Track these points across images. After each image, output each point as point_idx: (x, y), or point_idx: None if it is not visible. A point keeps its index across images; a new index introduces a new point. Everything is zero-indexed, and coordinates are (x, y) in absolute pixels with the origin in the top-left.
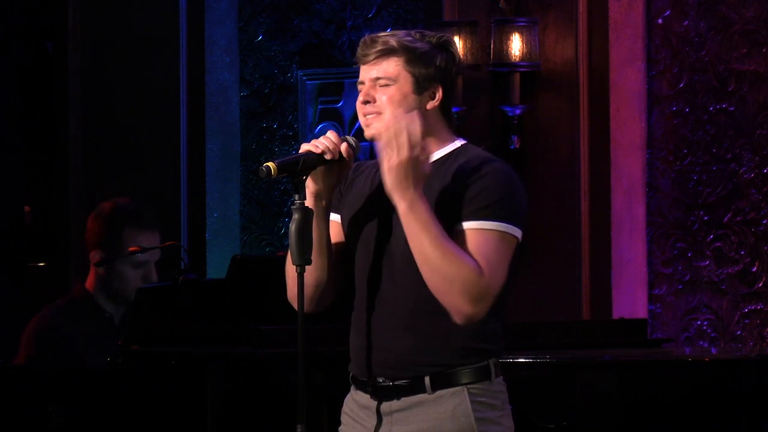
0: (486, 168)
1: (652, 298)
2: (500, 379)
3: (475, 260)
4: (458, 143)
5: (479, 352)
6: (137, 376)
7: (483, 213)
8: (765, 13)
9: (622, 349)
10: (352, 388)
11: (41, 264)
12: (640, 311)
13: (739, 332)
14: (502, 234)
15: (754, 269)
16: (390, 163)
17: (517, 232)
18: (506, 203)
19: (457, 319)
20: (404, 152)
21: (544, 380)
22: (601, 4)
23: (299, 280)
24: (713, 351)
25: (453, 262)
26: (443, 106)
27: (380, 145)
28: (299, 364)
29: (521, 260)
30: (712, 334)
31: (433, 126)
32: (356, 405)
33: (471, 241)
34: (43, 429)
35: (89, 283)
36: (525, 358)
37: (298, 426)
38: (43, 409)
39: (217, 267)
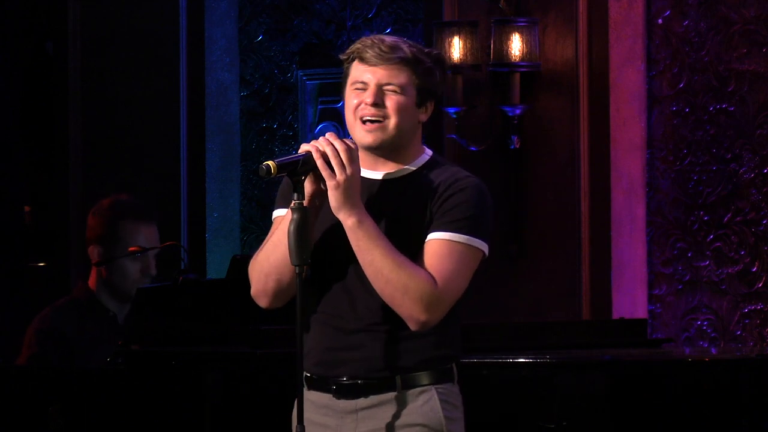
0: (462, 183)
1: (652, 298)
2: (458, 383)
3: (426, 270)
4: (428, 154)
5: (445, 356)
6: (137, 376)
7: (455, 225)
8: (765, 13)
9: (622, 349)
10: (304, 389)
11: (41, 264)
12: (640, 311)
13: (739, 332)
14: (469, 247)
15: (754, 269)
16: (337, 179)
17: (485, 247)
18: (478, 219)
19: (412, 326)
20: (348, 168)
21: (544, 380)
22: (601, 4)
23: (298, 279)
24: (713, 351)
25: (404, 272)
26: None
27: (320, 165)
28: (298, 364)
29: (521, 260)
30: (712, 334)
31: (414, 138)
32: (313, 405)
33: (434, 249)
34: (43, 429)
35: (92, 281)
36: (525, 358)
37: (298, 426)
38: (43, 409)
39: (217, 267)
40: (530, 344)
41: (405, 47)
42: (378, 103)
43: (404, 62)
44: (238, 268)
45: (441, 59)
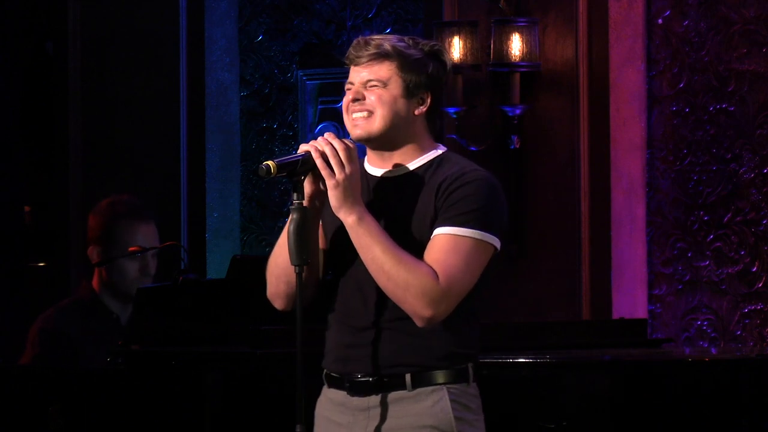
0: (469, 176)
1: (652, 298)
2: (476, 384)
3: (428, 265)
4: (439, 151)
5: (459, 355)
6: (137, 376)
7: (459, 219)
8: (765, 13)
9: (622, 349)
10: (324, 387)
11: (41, 264)
12: (640, 311)
13: (739, 332)
14: (477, 242)
15: (754, 269)
16: (337, 179)
17: (495, 241)
18: (486, 212)
19: (418, 322)
20: (347, 168)
21: (544, 380)
22: (601, 4)
23: (297, 280)
24: (713, 351)
25: (406, 268)
26: (429, 113)
27: (320, 164)
28: (298, 364)
29: (521, 260)
30: (712, 334)
31: (417, 132)
32: (331, 403)
33: (439, 244)
34: (43, 429)
35: (95, 282)
36: (525, 358)
37: (298, 426)
38: (43, 409)
39: (217, 267)
40: (530, 344)
41: (387, 43)
42: (358, 98)
43: (385, 56)
44: (238, 268)
45: (435, 51)
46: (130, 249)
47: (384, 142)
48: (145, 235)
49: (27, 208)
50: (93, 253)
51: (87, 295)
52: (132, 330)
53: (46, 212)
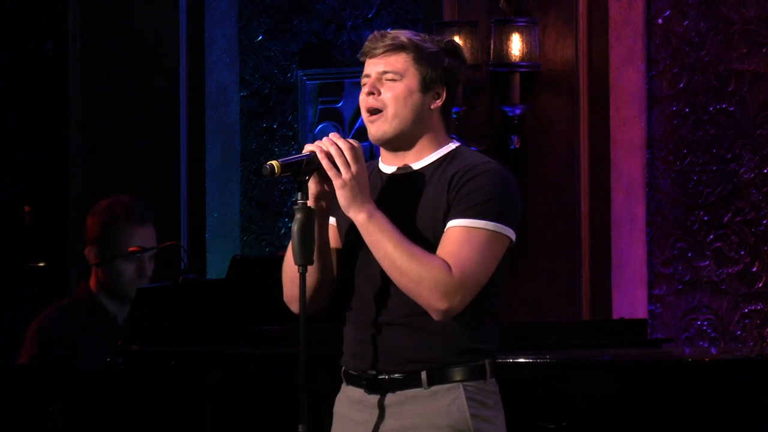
0: (480, 168)
1: (652, 298)
2: (494, 380)
3: (441, 258)
4: (453, 145)
5: (475, 351)
6: (137, 376)
7: (472, 211)
8: (765, 13)
9: (622, 349)
10: (343, 385)
11: (41, 264)
12: (640, 311)
13: (739, 332)
14: (491, 233)
15: (754, 269)
16: (343, 178)
17: (509, 232)
18: (499, 203)
19: (434, 316)
20: (353, 167)
21: (544, 380)
22: (601, 4)
23: (301, 280)
24: (713, 351)
25: (418, 262)
26: (445, 108)
27: (326, 165)
28: (300, 364)
29: (521, 260)
30: (712, 334)
31: (432, 127)
32: (349, 400)
33: (452, 237)
34: (43, 429)
35: (92, 282)
36: (525, 358)
37: (300, 426)
38: (43, 409)
39: (217, 267)
40: (530, 344)
41: (403, 35)
42: (373, 92)
43: (402, 48)
44: (238, 268)
45: (451, 46)
46: (131, 249)
47: (400, 141)
48: (143, 238)
49: (27, 208)
50: (90, 253)
51: (85, 295)
52: (132, 330)
53: (46, 212)
